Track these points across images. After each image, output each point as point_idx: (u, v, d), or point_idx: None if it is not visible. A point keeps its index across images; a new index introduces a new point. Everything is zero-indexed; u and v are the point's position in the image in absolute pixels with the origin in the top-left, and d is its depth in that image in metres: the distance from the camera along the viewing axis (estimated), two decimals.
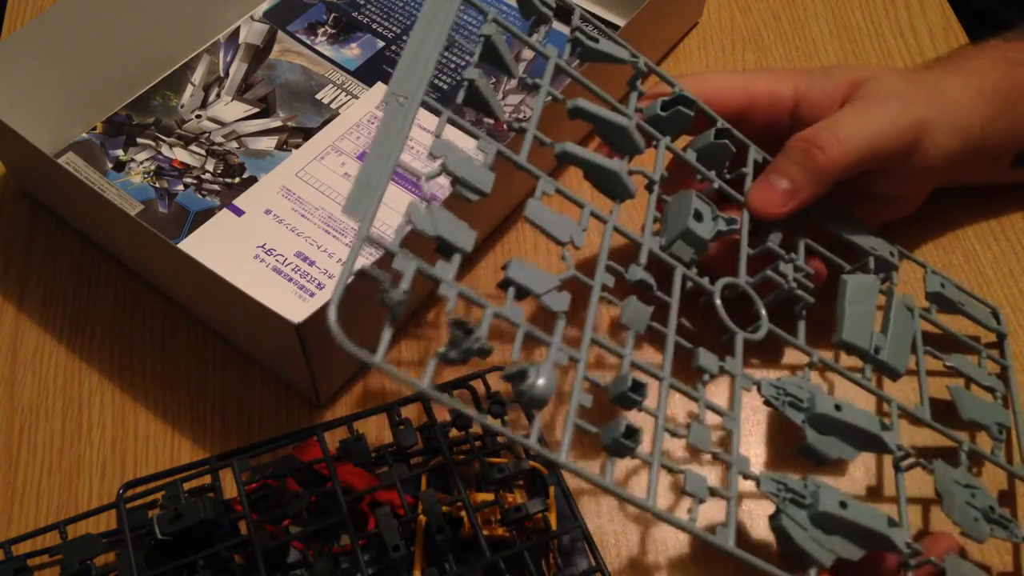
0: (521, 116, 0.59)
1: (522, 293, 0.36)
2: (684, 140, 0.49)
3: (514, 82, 0.62)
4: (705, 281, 0.45)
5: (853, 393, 0.49)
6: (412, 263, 0.32)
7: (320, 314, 0.43)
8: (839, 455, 0.42)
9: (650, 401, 0.38)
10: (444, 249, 0.35)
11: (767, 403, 0.43)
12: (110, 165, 0.57)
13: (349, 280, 0.31)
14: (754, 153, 0.49)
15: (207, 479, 0.46)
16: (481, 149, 0.38)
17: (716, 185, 0.48)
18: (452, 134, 0.59)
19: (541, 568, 0.44)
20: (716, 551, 0.37)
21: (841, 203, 0.50)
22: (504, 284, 0.36)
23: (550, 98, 0.43)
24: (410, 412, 0.48)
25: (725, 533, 0.38)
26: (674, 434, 0.39)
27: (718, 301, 0.44)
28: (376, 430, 0.49)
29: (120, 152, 0.58)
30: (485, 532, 0.43)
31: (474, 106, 0.41)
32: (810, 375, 0.45)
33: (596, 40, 0.45)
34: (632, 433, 0.36)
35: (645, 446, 0.37)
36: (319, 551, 0.44)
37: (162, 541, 0.41)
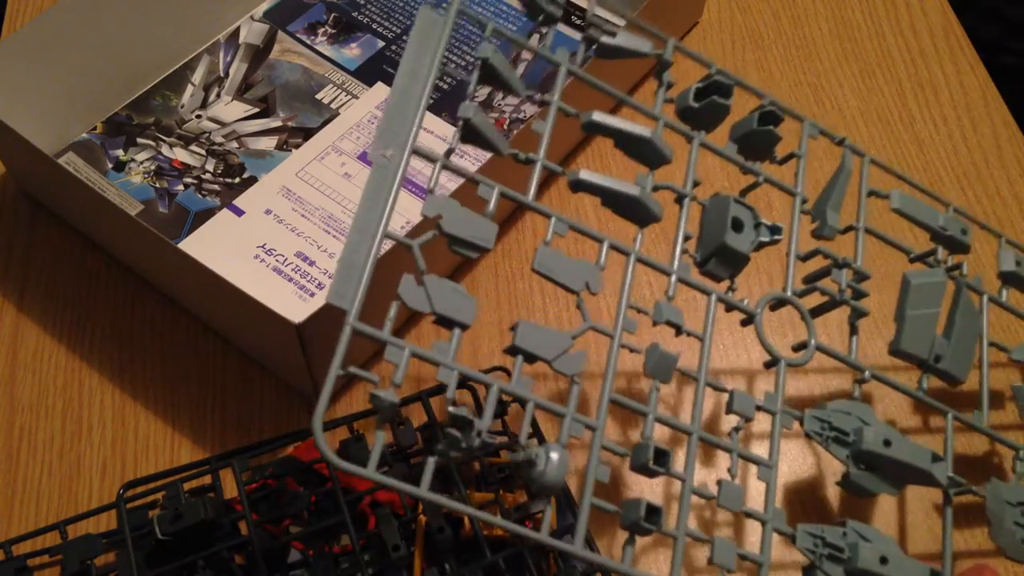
0: (522, 116, 0.59)
1: (531, 359, 0.34)
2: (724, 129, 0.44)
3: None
4: (745, 303, 0.40)
5: (902, 401, 0.46)
6: (404, 352, 0.31)
7: (320, 314, 0.43)
8: (883, 491, 0.39)
9: (676, 455, 0.36)
10: (443, 323, 0.33)
11: (808, 437, 0.39)
12: (110, 165, 0.57)
13: (339, 373, 0.30)
14: (808, 129, 0.44)
15: (207, 479, 0.46)
16: (482, 196, 0.35)
17: (761, 180, 0.43)
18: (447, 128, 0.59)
19: (541, 568, 0.44)
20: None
21: None
22: (511, 351, 0.34)
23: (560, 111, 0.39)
24: (410, 412, 0.48)
25: None
26: (702, 496, 0.36)
27: (762, 327, 0.40)
28: None
29: (120, 152, 0.58)
30: (485, 532, 0.43)
31: (490, 83, 0.37)
32: (860, 394, 0.41)
33: (613, 34, 0.40)
34: (654, 513, 0.33)
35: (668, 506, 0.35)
36: (319, 551, 0.44)
37: (162, 541, 0.41)
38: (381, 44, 0.64)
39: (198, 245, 0.54)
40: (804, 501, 0.46)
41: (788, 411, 0.39)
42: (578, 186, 0.38)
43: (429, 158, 0.34)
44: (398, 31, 0.65)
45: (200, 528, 0.42)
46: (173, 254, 0.46)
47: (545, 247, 0.35)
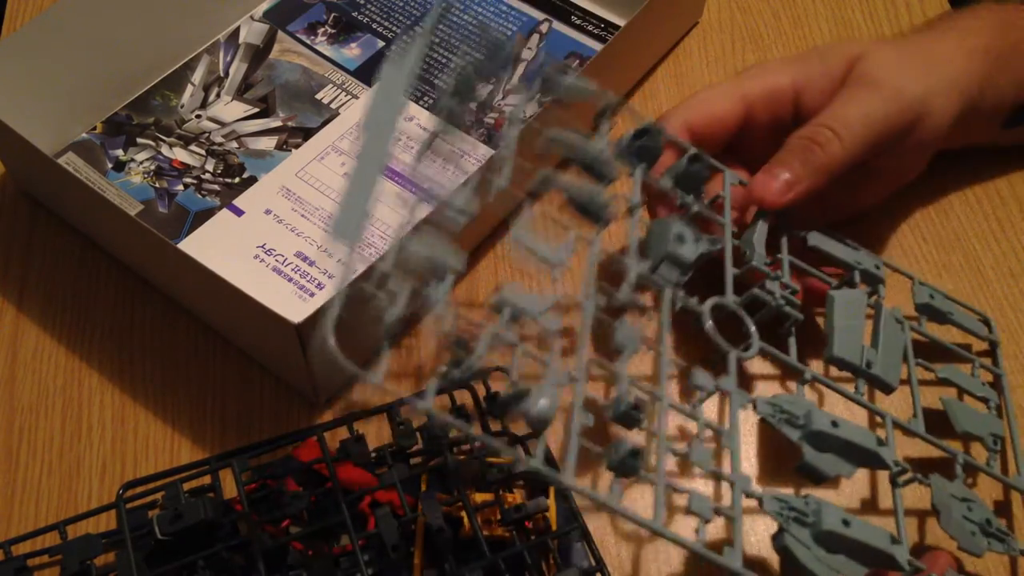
0: (522, 116, 0.59)
1: (516, 314, 0.37)
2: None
3: (514, 80, 0.62)
4: (694, 302, 0.45)
5: (846, 409, 0.49)
6: (406, 285, 0.33)
7: (320, 314, 0.43)
8: (838, 472, 0.42)
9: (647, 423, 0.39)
10: (436, 272, 0.35)
11: (763, 421, 0.43)
12: (110, 165, 0.57)
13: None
14: (730, 178, 0.50)
15: (207, 479, 0.46)
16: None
17: (695, 209, 0.48)
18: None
19: (541, 568, 0.44)
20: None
21: (845, 185, 0.50)
22: (498, 306, 0.37)
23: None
24: (410, 412, 0.48)
25: (732, 553, 0.37)
26: (676, 453, 0.39)
27: (709, 323, 0.44)
28: (376, 430, 0.49)
29: (120, 152, 0.58)
30: (485, 532, 0.43)
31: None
32: (804, 391, 0.45)
33: (566, 73, 0.44)
34: (636, 453, 0.36)
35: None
36: (319, 551, 0.44)
37: (162, 541, 0.41)
38: (381, 44, 0.64)
39: (198, 245, 0.54)
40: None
41: (741, 392, 0.43)
42: (544, 184, 0.42)
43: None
44: (398, 31, 0.65)
45: (200, 528, 0.42)
46: (173, 254, 0.46)
47: (522, 229, 0.39)
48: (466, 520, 0.43)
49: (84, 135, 0.59)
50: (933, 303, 0.51)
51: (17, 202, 0.57)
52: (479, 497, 0.44)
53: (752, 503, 0.40)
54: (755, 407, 0.43)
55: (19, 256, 0.55)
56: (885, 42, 0.53)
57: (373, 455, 0.46)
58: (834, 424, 0.42)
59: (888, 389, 0.47)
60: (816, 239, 0.50)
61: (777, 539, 0.39)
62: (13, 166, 0.57)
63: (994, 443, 0.47)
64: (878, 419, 0.47)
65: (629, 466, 0.36)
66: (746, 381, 0.52)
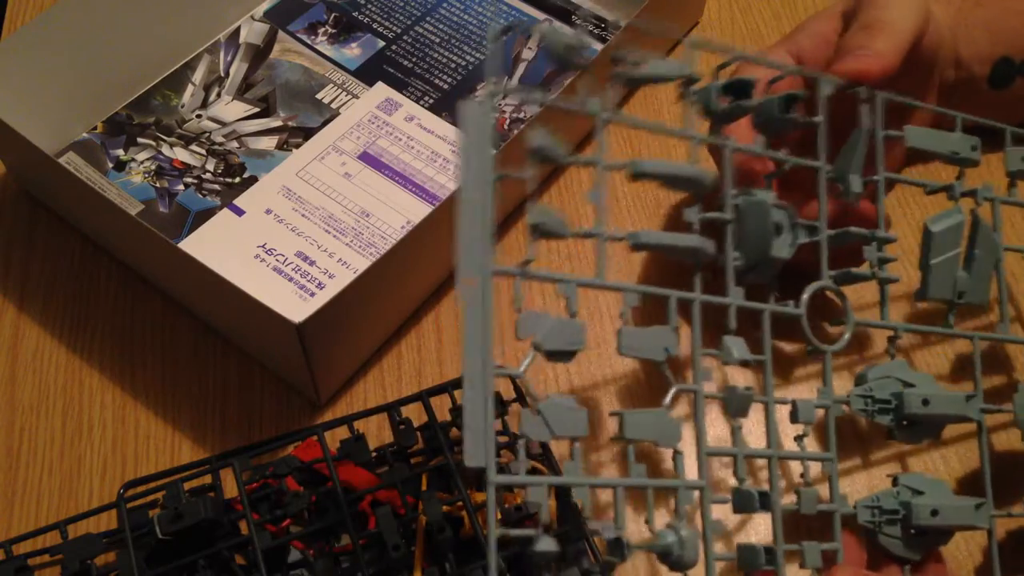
0: (522, 116, 0.59)
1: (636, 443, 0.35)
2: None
3: (514, 81, 0.62)
4: (791, 306, 0.41)
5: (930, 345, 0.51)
6: (543, 488, 0.32)
7: (320, 314, 0.43)
8: (924, 440, 0.43)
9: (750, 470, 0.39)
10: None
11: (857, 415, 0.43)
12: (110, 165, 0.57)
13: None
14: (824, 87, 0.44)
15: (208, 479, 0.46)
16: (562, 292, 0.35)
17: (788, 165, 0.43)
18: (447, 128, 0.59)
19: (541, 568, 0.44)
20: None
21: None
22: (618, 439, 0.35)
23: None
24: (411, 412, 0.48)
25: None
26: (790, 511, 0.39)
27: (805, 321, 0.41)
28: (376, 430, 0.49)
29: (121, 152, 0.58)
30: (485, 532, 0.43)
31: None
32: (894, 350, 0.43)
33: (638, 64, 0.39)
34: (769, 553, 0.37)
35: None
36: (319, 551, 0.44)
37: (163, 541, 0.41)
38: (381, 44, 0.64)
39: (198, 245, 0.54)
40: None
41: (838, 399, 0.41)
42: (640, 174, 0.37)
43: (509, 273, 0.33)
44: (398, 31, 0.65)
45: (200, 528, 0.42)
46: (173, 254, 0.46)
47: (626, 328, 0.35)
48: (466, 520, 0.43)
49: (85, 135, 0.59)
50: None
51: (17, 202, 0.57)
52: (480, 497, 0.44)
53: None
54: (850, 407, 0.42)
55: (19, 256, 0.55)
56: None
57: (374, 455, 0.46)
58: (925, 402, 0.41)
59: (980, 308, 0.47)
60: (914, 137, 0.46)
61: (872, 541, 0.40)
62: (13, 166, 0.57)
63: None
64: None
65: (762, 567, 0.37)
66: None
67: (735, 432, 0.38)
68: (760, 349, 0.40)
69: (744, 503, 0.38)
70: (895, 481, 0.41)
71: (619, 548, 0.33)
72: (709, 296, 0.39)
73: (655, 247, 0.37)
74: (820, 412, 0.41)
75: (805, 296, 0.41)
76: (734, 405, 0.38)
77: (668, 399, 0.36)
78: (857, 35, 0.46)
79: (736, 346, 0.39)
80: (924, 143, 0.46)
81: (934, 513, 0.40)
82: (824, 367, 0.42)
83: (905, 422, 0.42)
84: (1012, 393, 0.45)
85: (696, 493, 0.36)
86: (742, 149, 0.42)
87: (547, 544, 0.31)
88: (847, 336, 0.42)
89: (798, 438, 0.41)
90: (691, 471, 0.37)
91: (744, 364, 0.39)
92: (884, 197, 0.45)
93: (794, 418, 0.40)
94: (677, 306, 0.37)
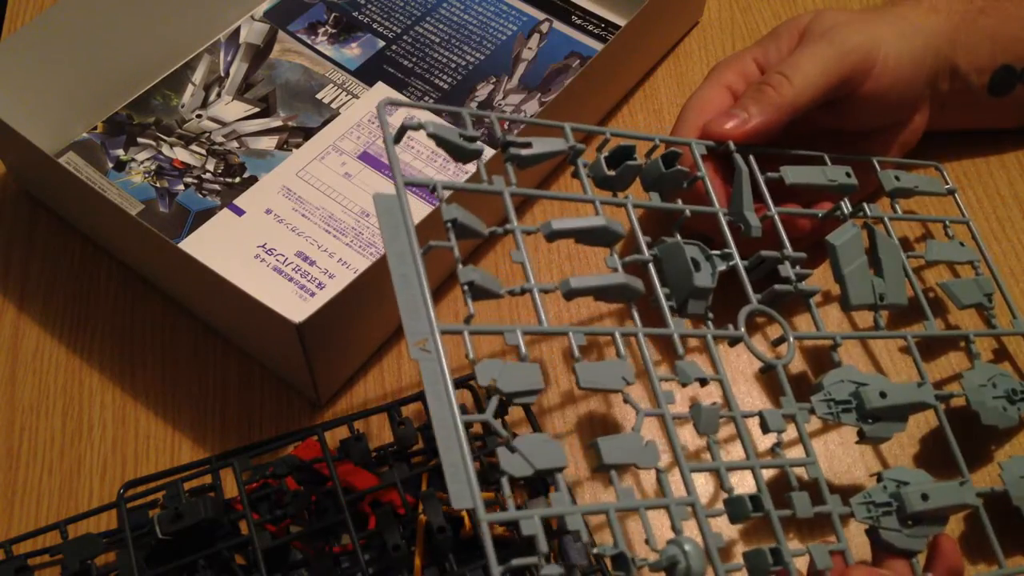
0: (523, 116, 0.59)
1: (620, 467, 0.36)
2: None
3: (514, 81, 0.62)
4: (731, 330, 0.44)
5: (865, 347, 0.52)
6: (535, 519, 0.33)
7: (320, 314, 0.43)
8: (894, 433, 0.44)
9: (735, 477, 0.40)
10: (545, 475, 0.35)
11: (824, 422, 0.44)
12: (111, 165, 0.58)
13: None
14: (697, 148, 0.48)
15: (208, 479, 0.46)
16: (509, 342, 0.37)
17: (687, 213, 0.46)
18: None
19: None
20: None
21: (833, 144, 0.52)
22: (600, 469, 0.36)
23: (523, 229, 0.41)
24: (411, 412, 0.48)
25: None
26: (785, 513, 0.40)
27: (748, 341, 0.44)
28: (376, 430, 0.49)
29: (121, 152, 0.58)
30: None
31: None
32: (839, 357, 0.45)
33: (529, 145, 0.42)
34: (776, 553, 0.37)
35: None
36: (319, 551, 0.44)
37: (163, 541, 0.41)
38: (381, 44, 0.64)
39: (198, 245, 0.54)
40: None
41: (802, 406, 0.43)
42: (553, 236, 0.40)
43: (455, 332, 0.36)
44: (398, 31, 0.65)
45: (200, 528, 0.42)
46: (173, 254, 0.46)
47: (580, 364, 0.37)
48: (466, 519, 0.43)
49: (85, 135, 0.59)
50: (900, 184, 0.52)
51: (17, 202, 0.57)
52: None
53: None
54: (814, 413, 0.43)
55: (19, 256, 0.55)
56: (837, 9, 0.54)
57: (374, 455, 0.46)
58: (882, 395, 0.43)
59: (902, 309, 0.49)
60: (791, 174, 0.49)
61: (875, 539, 0.41)
62: (14, 165, 0.57)
63: (989, 301, 0.51)
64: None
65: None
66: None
67: (711, 447, 0.40)
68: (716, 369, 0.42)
69: (737, 510, 0.38)
70: (879, 477, 0.42)
71: (625, 564, 0.34)
72: (651, 328, 0.41)
73: (586, 292, 0.40)
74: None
75: (741, 318, 0.44)
76: (702, 422, 0.40)
77: (638, 424, 0.38)
78: (747, 92, 0.50)
79: (690, 368, 0.41)
80: (801, 179, 0.49)
81: (924, 497, 0.41)
82: (779, 380, 0.43)
83: (870, 419, 0.43)
84: (957, 380, 0.48)
85: (689, 509, 0.37)
86: (641, 205, 0.45)
87: (552, 570, 0.31)
88: (791, 351, 0.44)
89: (774, 447, 0.42)
90: (678, 489, 0.39)
91: (702, 383, 0.41)
92: (782, 229, 0.48)
93: (765, 429, 0.41)
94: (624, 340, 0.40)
